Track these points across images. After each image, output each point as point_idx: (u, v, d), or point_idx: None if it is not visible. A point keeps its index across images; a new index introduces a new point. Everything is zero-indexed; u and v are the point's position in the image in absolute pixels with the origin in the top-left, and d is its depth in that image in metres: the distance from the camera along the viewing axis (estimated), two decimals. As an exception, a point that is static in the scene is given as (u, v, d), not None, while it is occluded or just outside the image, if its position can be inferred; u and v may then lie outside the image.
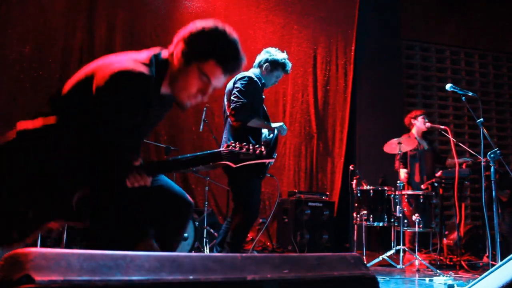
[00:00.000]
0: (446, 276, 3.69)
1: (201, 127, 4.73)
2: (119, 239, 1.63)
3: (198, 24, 1.77)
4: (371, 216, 4.63)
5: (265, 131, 3.45)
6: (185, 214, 1.96)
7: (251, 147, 1.78)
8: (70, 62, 5.69)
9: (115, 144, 1.66)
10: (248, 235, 5.86)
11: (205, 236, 4.55)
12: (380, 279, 3.60)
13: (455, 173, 4.60)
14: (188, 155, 1.79)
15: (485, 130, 3.53)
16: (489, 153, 3.42)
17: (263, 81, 3.51)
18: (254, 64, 3.59)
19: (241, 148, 1.78)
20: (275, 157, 3.43)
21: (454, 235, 5.29)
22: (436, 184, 5.03)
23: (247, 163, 1.80)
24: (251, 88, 3.34)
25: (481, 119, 3.56)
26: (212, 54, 1.74)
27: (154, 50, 1.82)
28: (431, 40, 7.51)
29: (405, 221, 4.55)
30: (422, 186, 5.04)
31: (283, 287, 1.08)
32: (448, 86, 3.70)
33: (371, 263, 4.37)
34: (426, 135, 5.56)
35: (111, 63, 1.69)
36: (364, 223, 4.58)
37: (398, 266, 4.24)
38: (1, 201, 1.64)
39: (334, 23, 6.73)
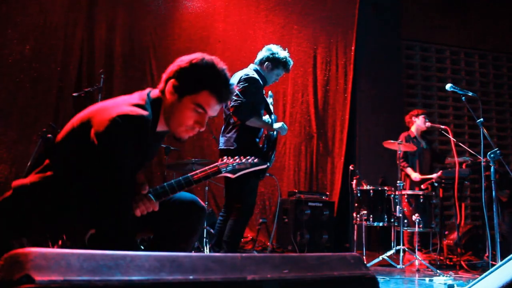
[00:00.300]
0: (446, 276, 3.69)
1: (202, 127, 4.73)
2: None
3: (185, 58, 1.80)
4: (371, 216, 4.63)
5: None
6: (196, 219, 1.96)
7: (243, 159, 2.04)
8: (70, 62, 5.70)
9: (118, 189, 1.63)
10: (248, 235, 5.87)
11: (205, 236, 4.55)
12: (380, 279, 3.60)
13: (455, 173, 4.60)
14: (189, 175, 1.88)
15: (485, 130, 3.53)
16: (489, 153, 3.42)
17: (264, 78, 3.51)
18: (256, 61, 3.59)
19: (234, 161, 2.02)
20: (273, 158, 3.42)
21: (454, 235, 5.29)
22: (436, 184, 5.03)
23: (245, 171, 2.05)
24: (252, 87, 3.34)
25: (481, 119, 3.56)
26: (205, 84, 1.76)
27: (145, 91, 1.83)
28: (431, 40, 7.51)
29: (405, 221, 4.55)
30: (422, 186, 5.04)
31: (283, 287, 1.08)
32: (448, 86, 3.70)
33: (371, 263, 4.37)
34: (425, 134, 5.56)
35: (107, 108, 1.68)
36: (364, 223, 4.58)
37: (398, 266, 4.24)
38: None
39: (334, 23, 6.73)
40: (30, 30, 5.59)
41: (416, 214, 4.54)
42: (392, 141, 4.71)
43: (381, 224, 4.66)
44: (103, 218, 1.60)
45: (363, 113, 6.65)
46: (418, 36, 7.45)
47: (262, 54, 3.57)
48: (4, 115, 5.39)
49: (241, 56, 6.01)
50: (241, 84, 3.33)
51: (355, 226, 4.81)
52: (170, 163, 4.89)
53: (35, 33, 5.61)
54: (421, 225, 4.54)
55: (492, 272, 1.58)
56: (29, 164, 1.81)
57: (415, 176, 5.21)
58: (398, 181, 4.56)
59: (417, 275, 4.05)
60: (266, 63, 3.53)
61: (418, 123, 5.39)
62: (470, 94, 3.72)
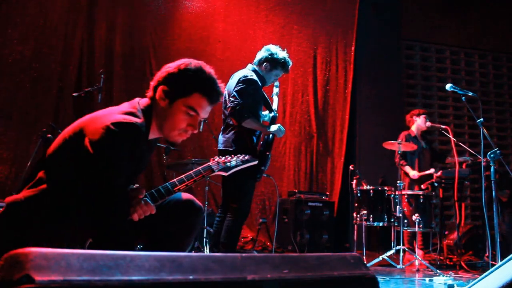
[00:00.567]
0: (446, 276, 3.69)
1: (201, 127, 4.73)
2: None
3: (172, 65, 1.84)
4: (371, 216, 4.63)
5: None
6: (194, 219, 1.96)
7: (234, 157, 2.12)
8: (70, 62, 5.70)
9: (114, 196, 1.63)
10: (248, 235, 5.87)
11: (205, 236, 4.55)
12: (380, 279, 3.60)
13: (455, 173, 4.60)
14: (183, 175, 1.90)
15: (485, 130, 3.53)
16: (489, 153, 3.42)
17: (263, 79, 3.51)
18: (255, 61, 3.58)
19: (226, 159, 2.09)
20: (269, 159, 3.40)
21: (454, 235, 5.29)
22: (436, 184, 5.03)
23: (237, 169, 2.12)
24: (250, 88, 3.34)
25: (481, 119, 3.56)
26: (195, 87, 1.79)
27: (134, 100, 1.84)
28: (431, 40, 7.51)
29: (405, 221, 4.55)
30: (422, 186, 5.04)
31: (283, 287, 1.08)
32: (448, 86, 3.70)
33: (371, 263, 4.37)
34: (425, 134, 5.56)
35: (100, 117, 1.69)
36: (364, 223, 4.58)
37: (398, 266, 4.24)
38: None
39: (334, 23, 6.73)
40: (30, 30, 5.59)
41: (416, 214, 4.54)
42: (392, 141, 4.71)
43: (381, 224, 4.66)
44: (101, 225, 1.60)
45: (363, 113, 6.65)
46: (418, 36, 7.45)
47: (261, 54, 3.56)
48: (4, 115, 5.39)
49: (241, 56, 6.00)
50: (239, 86, 3.34)
51: (355, 226, 4.81)
52: (170, 163, 4.89)
53: (35, 33, 5.61)
54: (421, 225, 4.54)
55: (492, 272, 1.58)
56: (22, 178, 1.80)
57: (414, 173, 5.21)
58: (398, 181, 4.56)
59: (417, 275, 4.06)
60: (265, 63, 3.52)
61: (418, 123, 5.39)
62: (470, 94, 3.72)
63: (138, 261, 0.92)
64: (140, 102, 1.83)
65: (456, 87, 3.68)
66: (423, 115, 5.38)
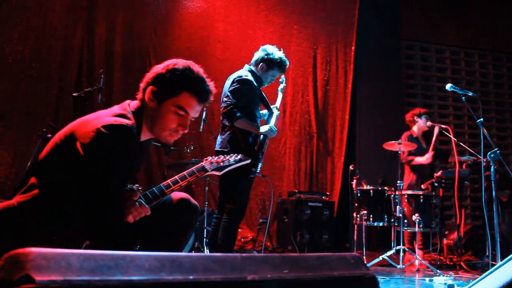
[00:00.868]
0: (446, 276, 3.69)
1: (201, 127, 4.74)
2: None
3: (161, 66, 1.84)
4: (371, 216, 4.63)
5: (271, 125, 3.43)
6: (189, 218, 1.96)
7: (227, 156, 2.15)
8: (70, 62, 5.70)
9: (108, 198, 1.63)
10: (248, 235, 5.87)
11: (205, 236, 4.55)
12: (380, 279, 3.60)
13: (455, 173, 4.60)
14: (177, 176, 1.91)
15: (485, 130, 3.53)
16: (489, 153, 3.42)
17: (260, 79, 3.50)
18: (252, 61, 3.58)
19: (219, 159, 2.11)
20: (262, 160, 3.39)
21: (454, 235, 5.29)
22: (436, 184, 5.03)
23: (230, 168, 2.14)
24: (243, 88, 3.33)
25: (481, 119, 3.56)
26: (184, 86, 1.79)
27: (125, 102, 1.85)
28: (431, 40, 7.51)
29: (405, 221, 4.55)
30: (422, 186, 5.04)
31: (283, 287, 1.08)
32: (448, 86, 3.70)
33: (371, 263, 4.37)
34: (426, 134, 5.55)
35: (90, 120, 1.69)
36: (364, 223, 4.58)
37: (398, 266, 4.24)
38: None
39: (334, 23, 6.73)
40: (30, 30, 5.59)
41: (416, 214, 4.54)
42: (392, 141, 4.71)
43: (381, 224, 4.66)
44: (97, 228, 1.60)
45: (363, 113, 6.65)
46: (418, 36, 7.45)
47: (258, 54, 3.55)
48: (4, 115, 5.39)
49: (241, 56, 6.00)
50: (233, 86, 3.34)
51: (355, 226, 4.81)
52: (170, 163, 4.89)
53: (35, 33, 5.61)
54: (421, 225, 4.54)
55: (492, 272, 1.58)
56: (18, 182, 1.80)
57: (427, 157, 5.17)
58: (398, 181, 4.55)
59: (417, 275, 4.05)
60: (261, 64, 3.51)
61: (420, 123, 5.38)
62: (470, 94, 3.72)
63: (138, 261, 0.92)
64: (131, 104, 1.84)
65: (456, 87, 3.68)
66: (424, 115, 5.37)
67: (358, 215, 4.69)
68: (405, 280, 3.73)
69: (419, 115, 5.40)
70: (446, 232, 5.65)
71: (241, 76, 3.39)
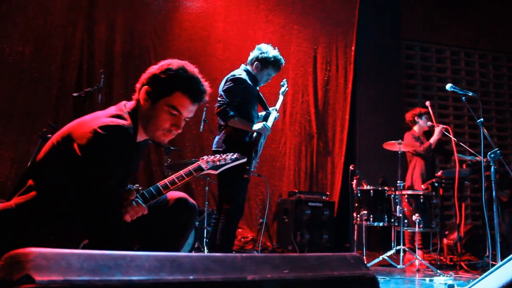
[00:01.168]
0: (446, 276, 3.69)
1: (201, 127, 4.74)
2: None
3: (156, 66, 1.85)
4: (371, 216, 4.63)
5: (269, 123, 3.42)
6: (187, 217, 1.97)
7: (223, 155, 2.16)
8: (70, 62, 5.70)
9: (106, 198, 1.63)
10: (248, 235, 5.87)
11: (205, 236, 4.55)
12: (380, 279, 3.60)
13: (455, 173, 4.60)
14: (174, 176, 1.91)
15: (485, 130, 3.53)
16: (489, 153, 3.42)
17: (255, 78, 3.48)
18: (247, 61, 3.58)
19: (215, 158, 2.13)
20: (255, 159, 3.37)
21: (454, 235, 5.29)
22: (436, 184, 5.03)
23: (226, 167, 2.15)
24: (237, 87, 3.33)
25: (481, 119, 3.56)
26: (176, 86, 1.80)
27: (121, 103, 1.86)
28: (431, 40, 7.51)
29: (405, 221, 4.55)
30: (423, 186, 5.03)
31: (283, 287, 1.08)
32: (448, 86, 3.70)
33: (371, 263, 4.37)
34: (426, 134, 5.55)
35: (87, 121, 1.70)
36: (364, 223, 4.58)
37: (398, 266, 4.24)
38: None
39: (334, 23, 6.73)
40: (30, 30, 5.59)
41: (416, 214, 4.53)
42: (392, 141, 4.71)
43: (381, 224, 4.66)
44: (96, 228, 1.60)
45: (363, 113, 6.65)
46: (418, 36, 7.45)
47: (253, 54, 3.54)
48: (4, 115, 5.39)
49: (241, 56, 5.97)
50: (227, 85, 3.33)
51: (355, 226, 4.81)
52: (170, 163, 4.89)
53: (35, 33, 5.61)
54: (421, 225, 4.53)
55: (492, 272, 1.57)
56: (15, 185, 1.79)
57: (434, 138, 5.16)
58: (398, 181, 4.55)
59: (417, 275, 4.05)
60: (256, 63, 3.50)
61: (421, 124, 5.38)
62: (470, 94, 3.72)
63: (138, 261, 0.92)
64: (127, 105, 1.85)
65: (456, 87, 3.68)
66: (425, 116, 5.37)
67: (358, 215, 4.69)
68: (405, 280, 3.73)
69: (420, 115, 5.39)
70: (446, 232, 5.65)
71: (234, 75, 3.38)
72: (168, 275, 0.92)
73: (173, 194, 1.96)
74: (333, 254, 1.26)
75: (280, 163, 6.35)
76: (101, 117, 1.70)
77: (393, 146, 4.74)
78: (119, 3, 6.00)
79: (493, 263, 3.82)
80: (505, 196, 5.48)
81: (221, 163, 2.12)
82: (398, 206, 4.48)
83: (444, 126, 4.99)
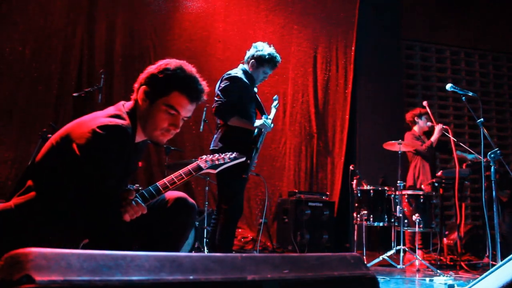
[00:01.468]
0: (447, 276, 3.69)
1: (201, 127, 4.73)
2: None
3: (154, 65, 1.85)
4: (371, 216, 4.63)
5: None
6: (186, 217, 1.97)
7: (222, 155, 2.16)
8: (70, 62, 5.69)
9: (105, 198, 1.63)
10: (248, 235, 5.87)
11: (205, 236, 4.55)
12: (380, 279, 3.60)
13: (455, 173, 4.60)
14: (173, 175, 1.92)
15: (485, 130, 3.52)
16: (489, 153, 3.42)
17: (252, 77, 3.48)
18: (244, 59, 3.57)
19: (213, 157, 2.12)
20: (255, 158, 3.35)
21: (454, 235, 5.29)
22: (436, 184, 5.03)
23: (225, 166, 2.15)
24: (234, 86, 3.32)
25: (481, 119, 3.56)
26: (174, 85, 1.80)
27: (120, 103, 1.86)
28: (431, 40, 7.50)
29: (405, 221, 4.55)
30: (423, 186, 5.03)
31: (283, 287, 1.08)
32: (448, 86, 3.70)
33: (371, 263, 4.37)
34: (426, 134, 5.55)
35: (86, 121, 1.70)
36: (364, 223, 4.58)
37: (398, 266, 4.24)
38: None
39: (334, 23, 6.73)
40: (30, 30, 5.58)
41: (416, 214, 4.53)
42: (392, 141, 4.70)
43: (381, 224, 4.66)
44: (95, 228, 1.60)
45: (363, 113, 6.65)
46: (418, 36, 7.45)
47: (249, 52, 3.53)
48: (4, 115, 5.39)
49: (241, 56, 5.93)
50: (223, 84, 3.33)
51: (355, 226, 4.81)
52: (171, 163, 4.89)
53: (35, 33, 5.61)
54: (421, 225, 4.53)
55: (492, 272, 1.57)
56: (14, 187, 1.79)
57: (437, 132, 5.15)
58: (398, 181, 4.55)
59: (417, 275, 4.05)
60: (252, 61, 3.48)
61: (420, 124, 5.38)
62: (470, 94, 3.72)
63: (138, 261, 0.92)
64: (125, 105, 1.85)
65: (456, 87, 3.68)
66: (425, 116, 5.37)
67: (358, 215, 4.69)
68: (406, 280, 3.73)
69: (419, 116, 5.39)
70: (446, 232, 5.65)
71: (229, 74, 3.38)
72: (168, 275, 0.92)
73: (172, 194, 1.96)
74: (333, 254, 1.26)
75: (280, 163, 6.35)
76: (100, 117, 1.71)
77: (393, 146, 4.73)
78: (119, 3, 6.00)
79: (493, 263, 3.82)
80: (505, 196, 5.47)
81: (220, 162, 2.12)
82: (398, 206, 4.48)
83: (444, 127, 4.99)
